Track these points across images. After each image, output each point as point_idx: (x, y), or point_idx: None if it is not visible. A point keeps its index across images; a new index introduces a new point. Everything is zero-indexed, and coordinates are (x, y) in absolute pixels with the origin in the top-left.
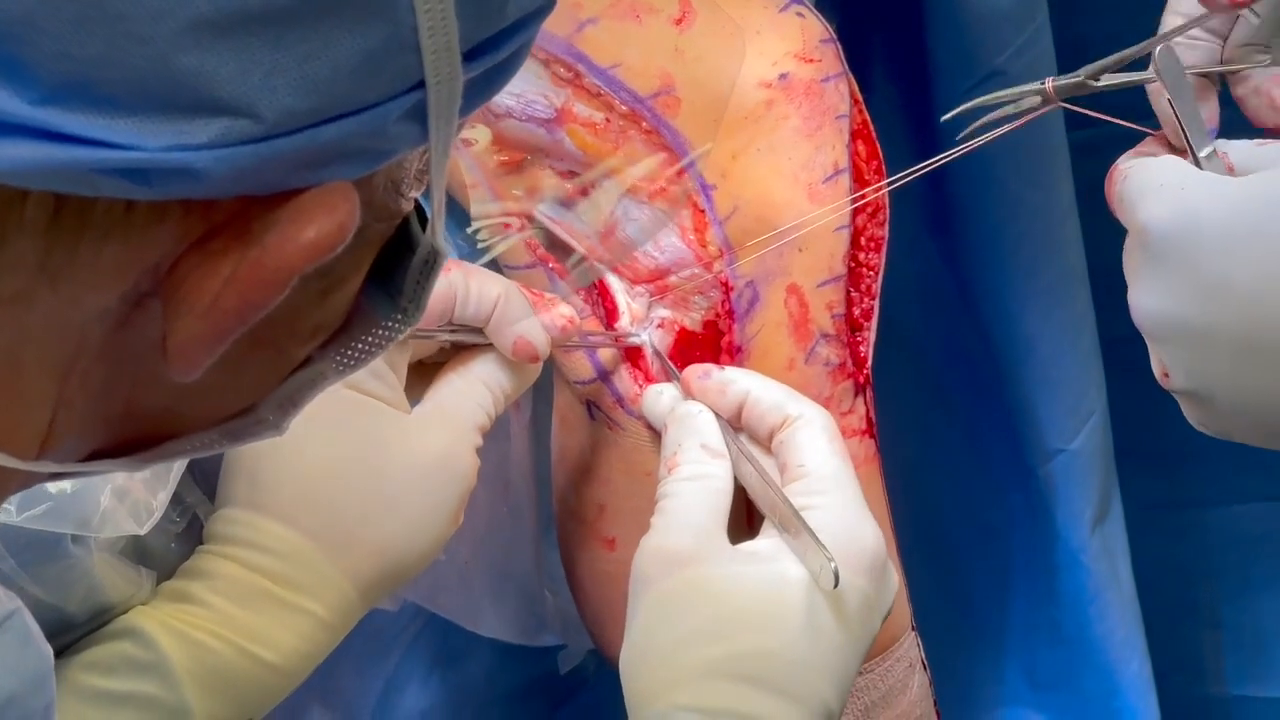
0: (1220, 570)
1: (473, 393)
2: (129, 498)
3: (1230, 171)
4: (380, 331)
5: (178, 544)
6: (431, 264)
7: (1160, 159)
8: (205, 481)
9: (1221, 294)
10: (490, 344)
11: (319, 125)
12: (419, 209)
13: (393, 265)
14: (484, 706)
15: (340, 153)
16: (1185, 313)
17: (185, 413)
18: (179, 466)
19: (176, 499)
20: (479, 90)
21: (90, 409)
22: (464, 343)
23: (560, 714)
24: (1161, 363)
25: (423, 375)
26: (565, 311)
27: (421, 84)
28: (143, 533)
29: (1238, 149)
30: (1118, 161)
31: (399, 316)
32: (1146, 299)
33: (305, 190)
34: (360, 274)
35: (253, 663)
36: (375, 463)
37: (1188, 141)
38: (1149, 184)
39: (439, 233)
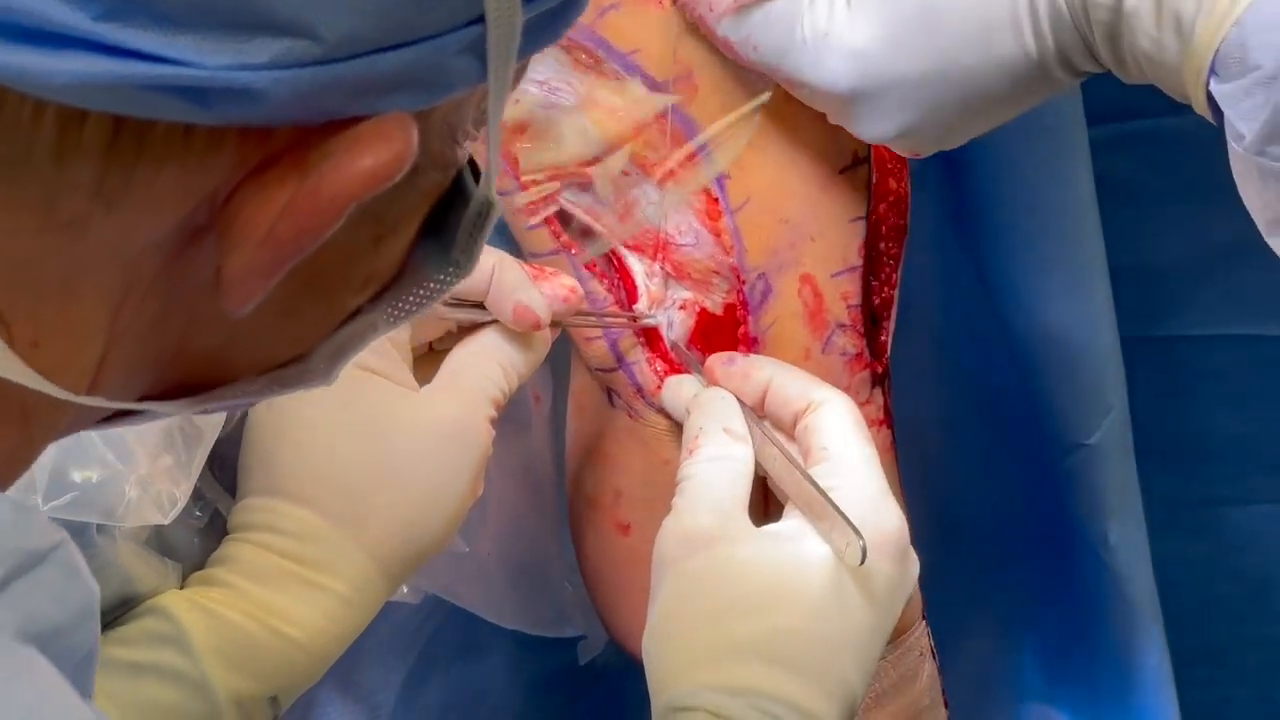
0: (1239, 568)
1: (480, 365)
2: (153, 488)
3: None
4: (432, 284)
5: (200, 539)
6: (485, 216)
7: (772, 10)
8: (226, 477)
9: (922, 86)
10: (494, 320)
11: (378, 52)
12: (472, 164)
13: (445, 220)
14: (505, 697)
15: (398, 83)
16: (907, 115)
17: (236, 358)
18: (200, 459)
19: (197, 494)
20: (539, 32)
21: (141, 347)
22: (467, 321)
23: (581, 704)
24: (911, 150)
25: (431, 362)
26: (567, 281)
27: (481, 19)
28: (166, 522)
29: None
30: (721, 32)
31: (451, 269)
32: (876, 127)
33: (362, 120)
34: (414, 224)
35: (275, 636)
36: (385, 436)
37: None
38: (786, 45)
39: (493, 181)
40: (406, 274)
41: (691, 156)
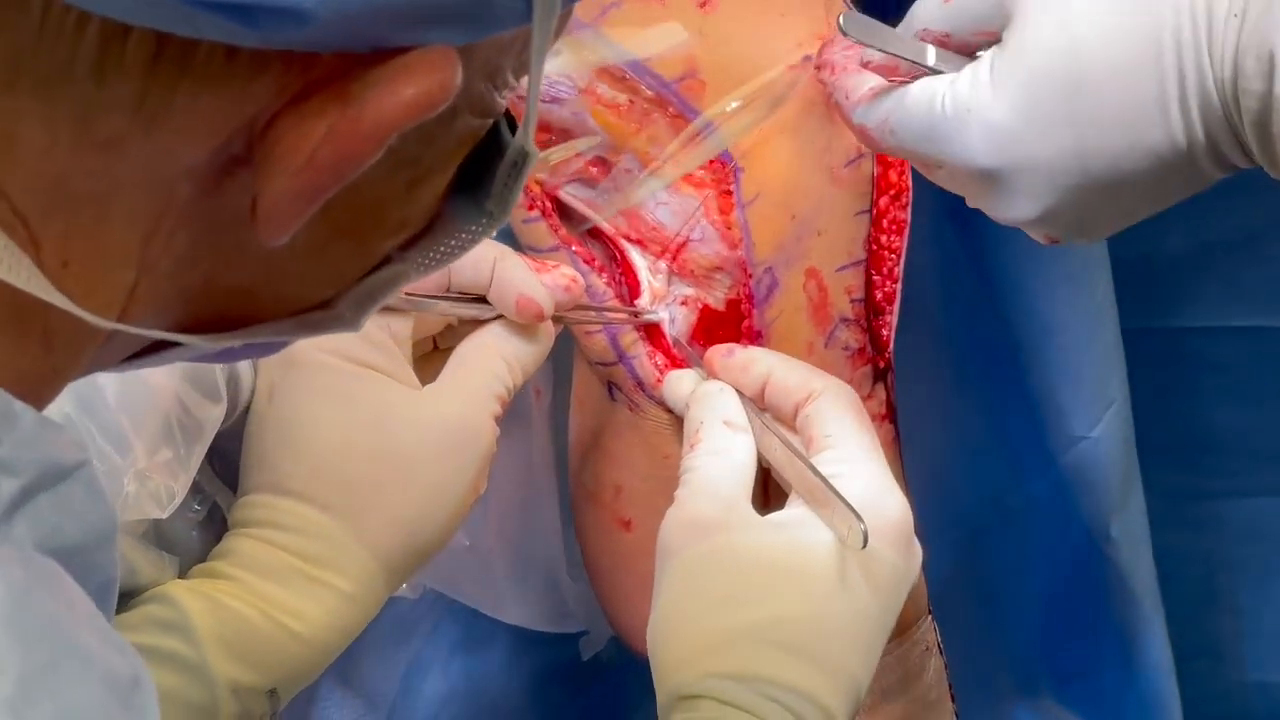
0: (1240, 560)
1: (485, 361)
2: (151, 482)
3: (952, 46)
4: (464, 234)
5: (199, 532)
6: (520, 166)
7: (911, 92)
8: (225, 472)
9: (1067, 161)
10: (498, 316)
11: None
12: (509, 116)
13: (480, 169)
14: (506, 692)
15: (445, 15)
16: (1051, 197)
17: (265, 296)
18: (199, 453)
19: (196, 488)
20: None
21: (171, 279)
22: (470, 317)
23: (582, 699)
24: (1047, 236)
25: (435, 361)
26: (568, 272)
27: None
28: (164, 516)
29: (941, 22)
30: (856, 119)
31: (484, 219)
32: (1016, 207)
33: (407, 50)
34: (448, 171)
35: (277, 629)
36: (388, 434)
37: (915, 63)
38: (927, 124)
39: (531, 129)
40: (439, 222)
41: (694, 137)
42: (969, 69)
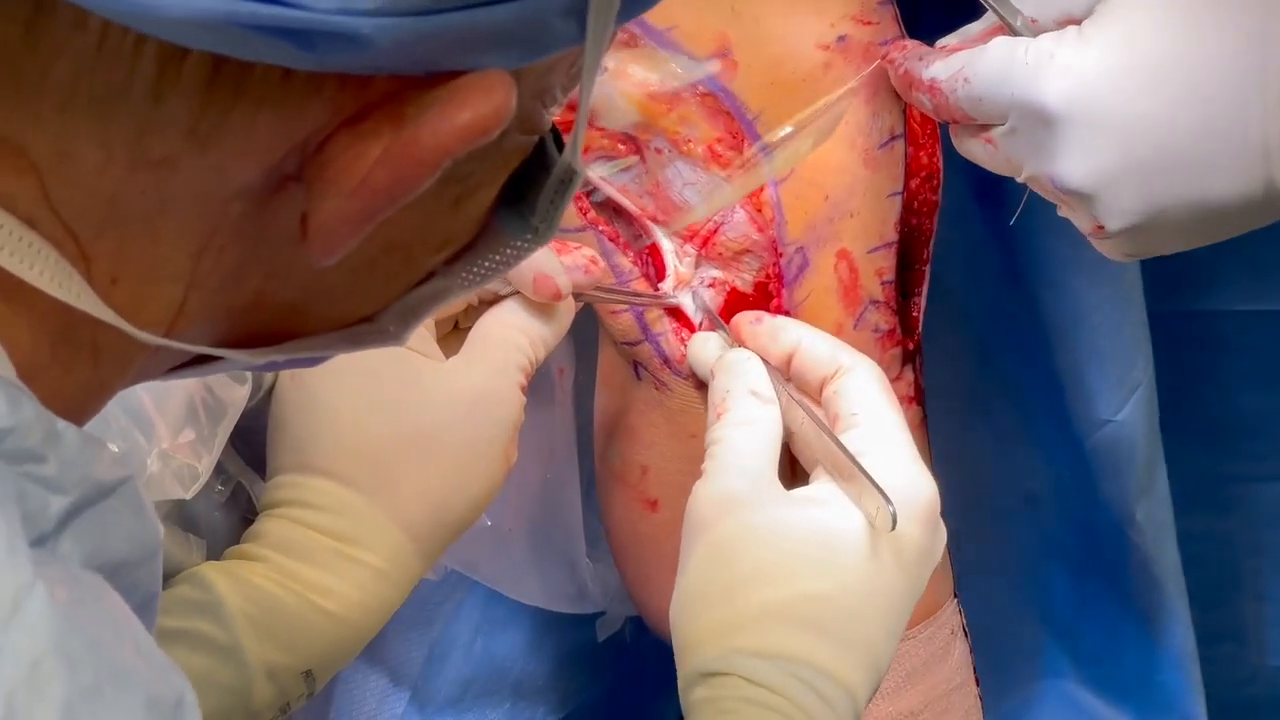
0: (1265, 544)
1: (506, 334)
2: (174, 462)
3: (1039, 27)
4: (509, 250)
5: (223, 513)
6: (567, 183)
7: (991, 45)
8: (249, 452)
9: (1138, 129)
10: (514, 293)
11: (482, 6)
12: (555, 132)
13: (524, 186)
14: (527, 673)
15: (499, 38)
16: (1113, 160)
17: (310, 312)
18: (223, 433)
19: (220, 469)
20: None
21: (219, 294)
22: (489, 294)
23: (605, 681)
24: (1094, 218)
25: (456, 340)
26: (588, 253)
27: None
28: (188, 497)
29: (1027, 6)
30: (928, 74)
31: (529, 236)
32: (1078, 165)
33: (460, 74)
34: (495, 186)
35: (309, 608)
36: (414, 407)
37: (1005, 20)
38: (1005, 69)
39: (579, 147)
40: (484, 238)
41: (745, 141)
42: (1054, 31)
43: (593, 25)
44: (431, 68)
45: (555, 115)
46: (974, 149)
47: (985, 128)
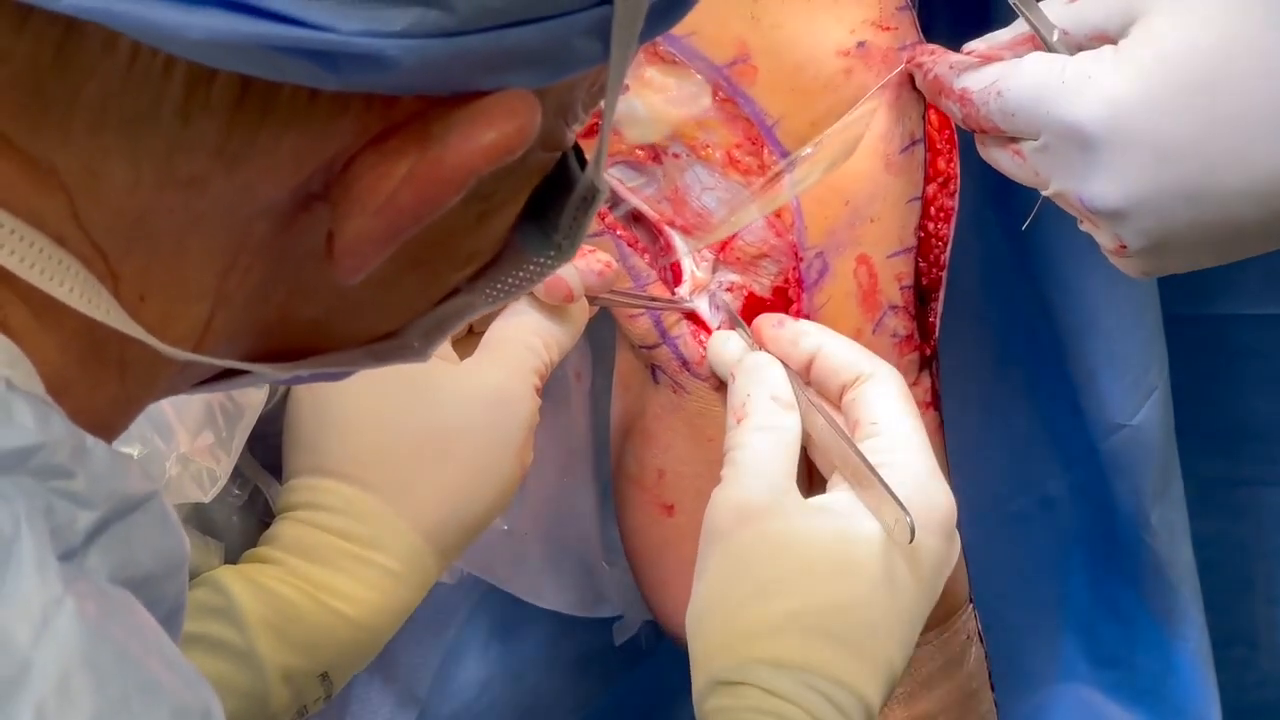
0: (1278, 548)
1: (519, 335)
2: (193, 465)
3: (1071, 40)
4: (531, 266)
5: (240, 517)
6: (590, 200)
7: (1026, 60)
8: (267, 456)
9: (1170, 153)
10: (528, 295)
11: (507, 27)
12: (577, 149)
13: (547, 203)
14: (542, 678)
15: (524, 59)
16: (1143, 183)
17: (335, 328)
18: (241, 437)
19: (237, 473)
20: (659, 17)
21: (245, 311)
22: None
23: (620, 685)
24: (1117, 238)
25: (470, 344)
26: (603, 257)
27: (609, 0)
28: (207, 500)
29: (1061, 20)
30: (960, 83)
31: (552, 253)
32: (1111, 188)
33: (486, 94)
34: (518, 203)
35: (324, 611)
36: (428, 408)
37: (1040, 34)
38: (1041, 86)
39: (601, 165)
40: (507, 254)
41: (761, 146)
42: (1091, 51)
43: (616, 45)
44: (457, 88)
45: (579, 131)
46: (1001, 159)
47: (1014, 140)
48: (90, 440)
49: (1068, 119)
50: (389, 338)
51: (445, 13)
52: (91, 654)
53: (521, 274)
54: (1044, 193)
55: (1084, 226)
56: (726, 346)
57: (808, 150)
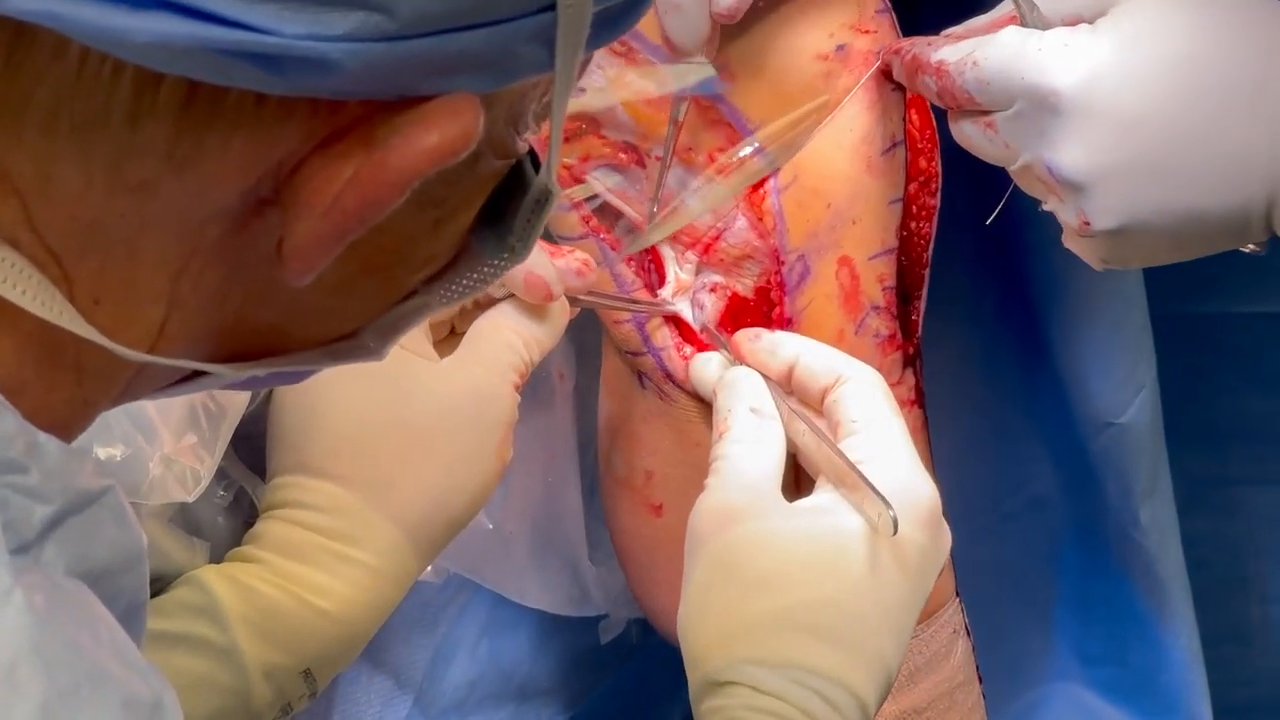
0: (1267, 546)
1: (499, 334)
2: (176, 465)
3: (1048, 23)
4: (487, 268)
5: (225, 518)
6: (543, 204)
7: (1003, 32)
8: (250, 456)
9: (1140, 127)
10: (509, 295)
11: (450, 32)
12: (532, 153)
13: (502, 207)
14: (534, 675)
15: (467, 64)
16: (1112, 155)
17: (292, 332)
18: (224, 437)
19: (221, 473)
20: (606, 26)
21: (201, 314)
22: (484, 297)
23: (610, 682)
24: (1081, 213)
25: (452, 344)
26: (581, 256)
27: (552, 6)
28: (190, 499)
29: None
30: (936, 56)
31: (506, 255)
32: (1078, 154)
33: (431, 98)
34: (472, 209)
35: (304, 608)
36: (408, 405)
37: (1019, 9)
38: (1016, 54)
39: (554, 169)
40: (463, 257)
41: (745, 157)
42: (1065, 27)
43: (561, 52)
44: (402, 92)
45: (531, 140)
46: (971, 134)
47: (987, 113)
48: (43, 437)
49: (1041, 83)
50: (346, 339)
51: (386, 17)
52: (40, 644)
53: (476, 276)
54: (1012, 168)
55: (1049, 205)
56: (708, 368)
57: (776, 125)
